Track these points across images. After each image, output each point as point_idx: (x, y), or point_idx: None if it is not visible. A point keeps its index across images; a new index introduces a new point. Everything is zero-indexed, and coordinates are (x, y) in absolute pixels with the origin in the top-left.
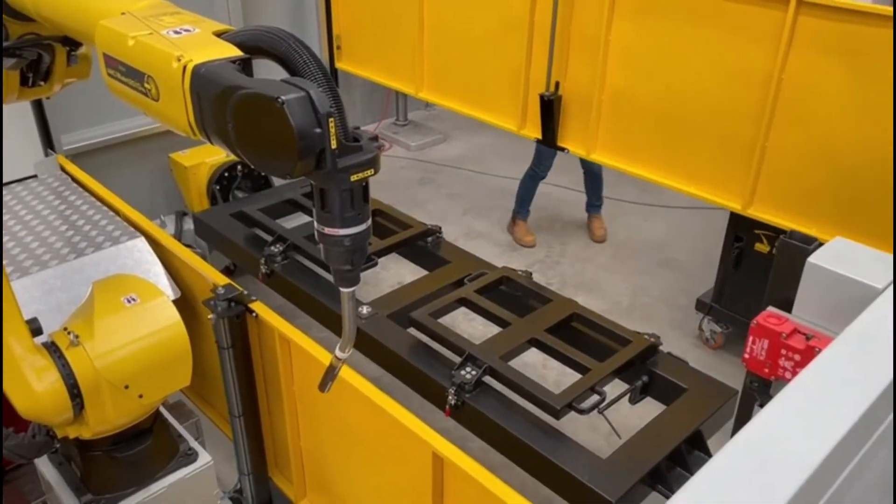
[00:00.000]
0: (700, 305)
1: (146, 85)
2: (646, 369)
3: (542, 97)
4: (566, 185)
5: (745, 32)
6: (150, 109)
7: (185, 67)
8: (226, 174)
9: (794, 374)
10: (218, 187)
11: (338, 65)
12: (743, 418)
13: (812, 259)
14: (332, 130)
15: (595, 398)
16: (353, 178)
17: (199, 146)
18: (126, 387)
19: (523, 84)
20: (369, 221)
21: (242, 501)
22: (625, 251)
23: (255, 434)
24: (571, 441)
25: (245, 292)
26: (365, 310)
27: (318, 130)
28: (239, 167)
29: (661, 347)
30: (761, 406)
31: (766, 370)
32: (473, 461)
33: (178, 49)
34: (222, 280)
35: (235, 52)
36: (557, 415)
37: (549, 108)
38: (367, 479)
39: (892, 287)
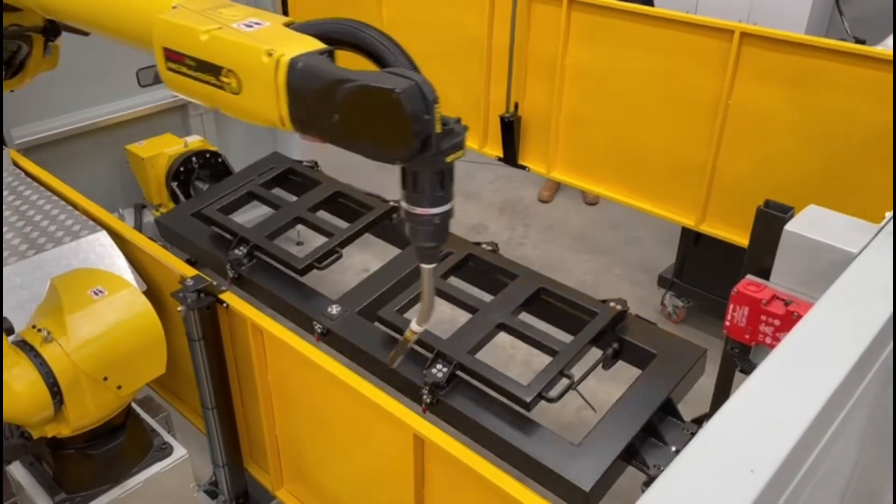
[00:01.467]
0: (662, 281)
1: (223, 79)
2: (616, 336)
3: (502, 118)
4: None
5: (693, 60)
6: (225, 103)
7: (277, 62)
8: (184, 165)
9: (774, 338)
10: (177, 179)
11: None
12: (724, 383)
13: (789, 227)
14: (437, 116)
15: (565, 383)
16: (449, 159)
17: (155, 136)
18: (105, 378)
19: (483, 105)
20: (453, 199)
21: (218, 494)
22: (588, 231)
23: (228, 425)
24: (545, 430)
25: (214, 283)
26: (334, 309)
27: (427, 117)
28: (193, 158)
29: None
30: (742, 371)
31: (747, 336)
32: (455, 441)
33: (264, 43)
34: (190, 271)
35: (320, 45)
36: (528, 407)
37: (510, 129)
38: (345, 466)
39: (872, 246)
